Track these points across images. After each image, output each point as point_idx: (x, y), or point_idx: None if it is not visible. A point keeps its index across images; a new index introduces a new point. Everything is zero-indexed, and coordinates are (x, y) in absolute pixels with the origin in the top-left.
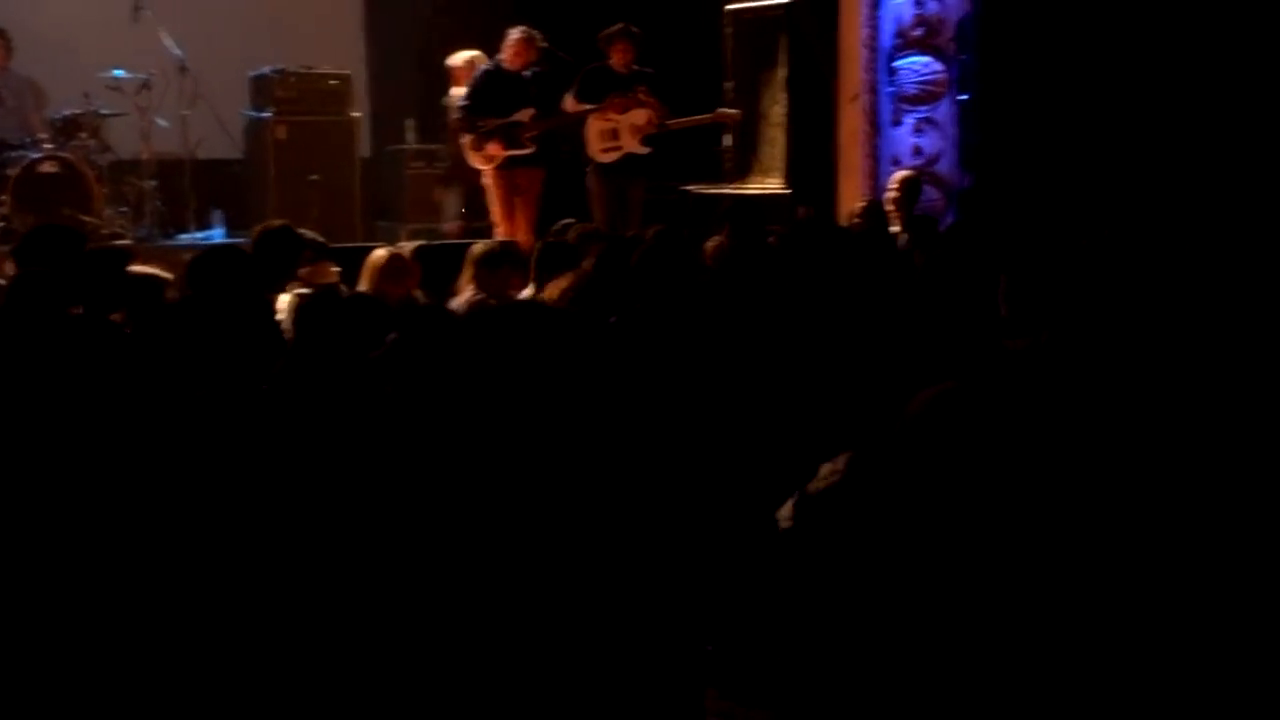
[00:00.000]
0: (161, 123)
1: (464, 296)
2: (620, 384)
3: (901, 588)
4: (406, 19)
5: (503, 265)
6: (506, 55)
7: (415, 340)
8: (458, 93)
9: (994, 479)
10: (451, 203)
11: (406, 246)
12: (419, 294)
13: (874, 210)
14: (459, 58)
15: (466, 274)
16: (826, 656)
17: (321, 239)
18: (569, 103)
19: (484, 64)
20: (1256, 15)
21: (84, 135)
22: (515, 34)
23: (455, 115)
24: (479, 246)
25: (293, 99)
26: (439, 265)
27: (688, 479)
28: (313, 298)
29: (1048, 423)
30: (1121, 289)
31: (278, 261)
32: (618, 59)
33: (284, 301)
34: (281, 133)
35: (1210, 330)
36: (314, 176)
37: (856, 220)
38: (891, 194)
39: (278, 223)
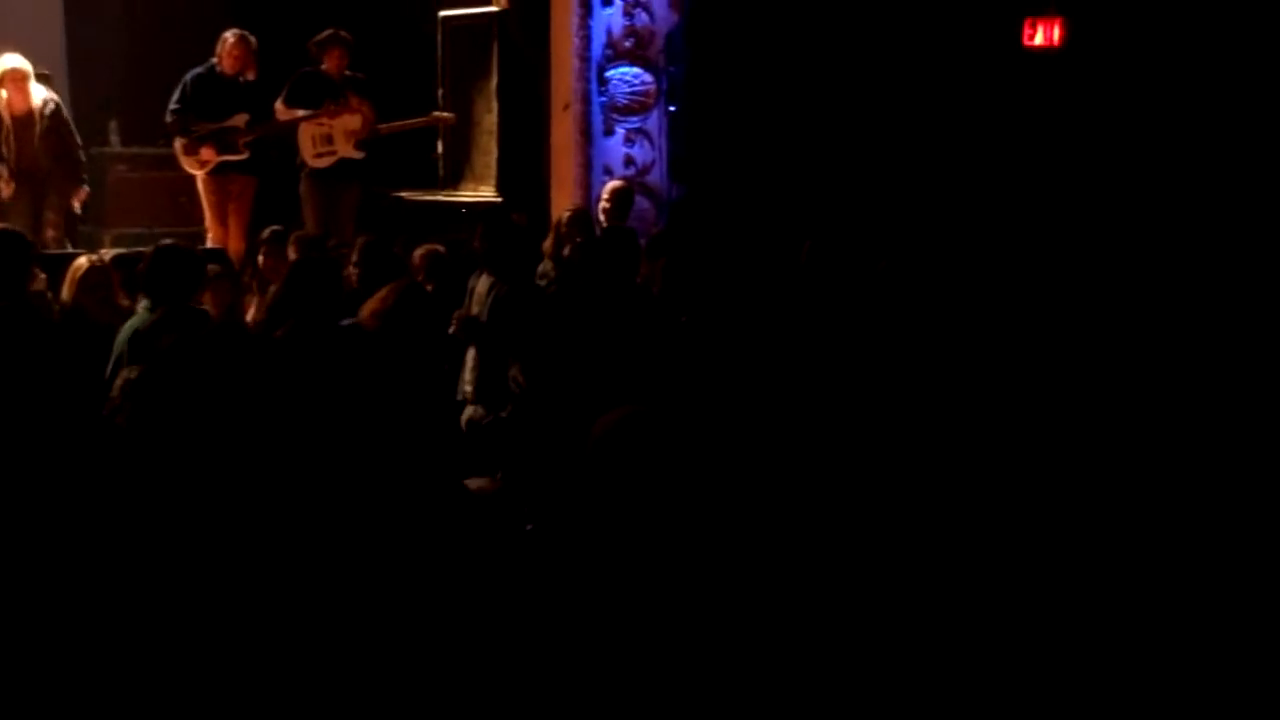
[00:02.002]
0: None
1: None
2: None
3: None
4: (107, 16)
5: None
6: (222, 59)
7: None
8: None
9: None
10: None
11: (107, 254)
12: (125, 302)
13: (580, 219)
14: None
15: None
16: None
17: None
18: (279, 108)
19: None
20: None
21: None
22: (230, 37)
23: (168, 119)
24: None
25: None
26: None
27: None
28: None
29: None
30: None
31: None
32: (331, 64)
33: None
34: None
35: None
36: None
37: (564, 229)
38: (604, 204)
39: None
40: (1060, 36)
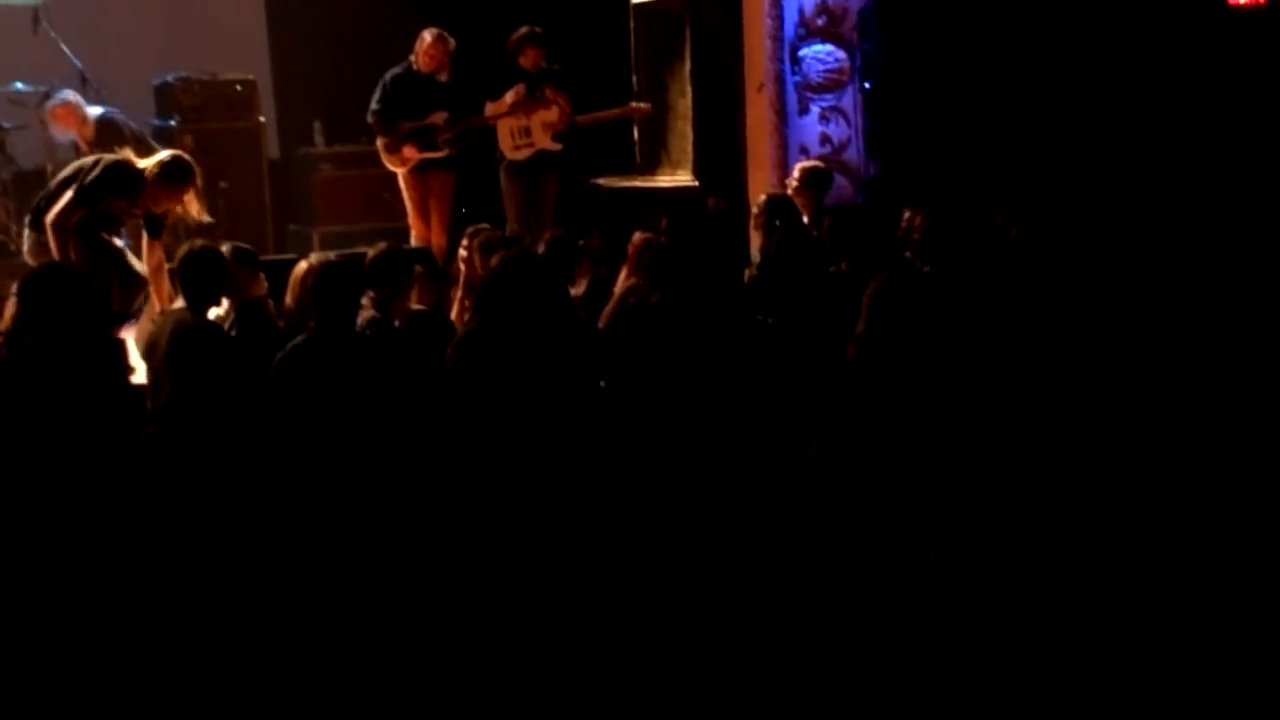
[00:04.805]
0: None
1: (363, 315)
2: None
3: None
4: (308, 21)
5: (397, 273)
6: (419, 58)
7: None
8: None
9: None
10: None
11: (317, 257)
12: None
13: (777, 205)
14: None
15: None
16: None
17: (252, 249)
18: (488, 107)
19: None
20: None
21: None
22: (428, 36)
23: (370, 119)
24: (369, 255)
25: (198, 106)
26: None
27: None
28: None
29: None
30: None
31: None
32: (527, 61)
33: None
34: (189, 141)
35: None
36: (223, 183)
37: (758, 215)
38: (797, 184)
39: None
40: None
